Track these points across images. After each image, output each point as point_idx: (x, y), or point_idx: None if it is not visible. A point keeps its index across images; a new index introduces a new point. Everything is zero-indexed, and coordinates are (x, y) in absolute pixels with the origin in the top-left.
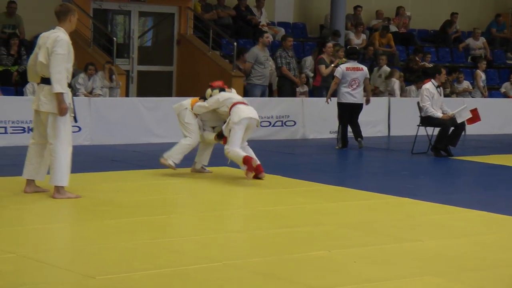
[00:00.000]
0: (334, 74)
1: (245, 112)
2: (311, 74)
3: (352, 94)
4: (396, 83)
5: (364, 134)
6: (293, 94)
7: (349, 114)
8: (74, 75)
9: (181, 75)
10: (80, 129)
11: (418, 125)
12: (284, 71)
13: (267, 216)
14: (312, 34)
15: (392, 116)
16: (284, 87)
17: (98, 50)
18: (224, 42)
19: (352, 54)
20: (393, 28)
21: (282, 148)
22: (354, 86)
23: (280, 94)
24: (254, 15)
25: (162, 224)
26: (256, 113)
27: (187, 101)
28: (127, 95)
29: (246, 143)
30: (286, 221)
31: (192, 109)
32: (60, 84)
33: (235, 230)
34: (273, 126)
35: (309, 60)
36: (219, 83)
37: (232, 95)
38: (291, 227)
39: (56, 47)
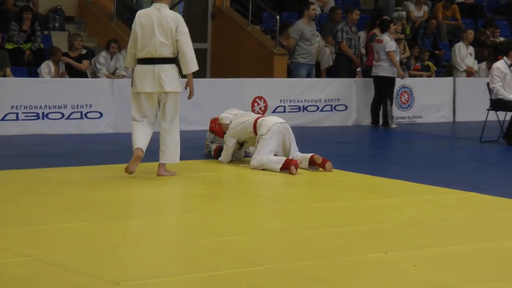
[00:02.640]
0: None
1: (271, 120)
2: (364, 52)
3: (375, 67)
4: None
5: (425, 119)
6: (351, 75)
7: (377, 88)
8: (94, 53)
9: (216, 53)
10: (101, 115)
11: (488, 109)
12: (343, 48)
13: (315, 213)
14: (366, 5)
15: (458, 99)
16: (341, 67)
17: (122, 25)
18: (266, 16)
19: (379, 25)
20: None
21: (331, 136)
22: (376, 59)
23: (337, 75)
24: None
25: (196, 222)
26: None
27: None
28: None
29: (296, 150)
30: (336, 219)
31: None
32: (194, 63)
33: (279, 229)
34: (321, 111)
35: (362, 36)
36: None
37: (242, 115)
38: (343, 226)
39: (181, 26)
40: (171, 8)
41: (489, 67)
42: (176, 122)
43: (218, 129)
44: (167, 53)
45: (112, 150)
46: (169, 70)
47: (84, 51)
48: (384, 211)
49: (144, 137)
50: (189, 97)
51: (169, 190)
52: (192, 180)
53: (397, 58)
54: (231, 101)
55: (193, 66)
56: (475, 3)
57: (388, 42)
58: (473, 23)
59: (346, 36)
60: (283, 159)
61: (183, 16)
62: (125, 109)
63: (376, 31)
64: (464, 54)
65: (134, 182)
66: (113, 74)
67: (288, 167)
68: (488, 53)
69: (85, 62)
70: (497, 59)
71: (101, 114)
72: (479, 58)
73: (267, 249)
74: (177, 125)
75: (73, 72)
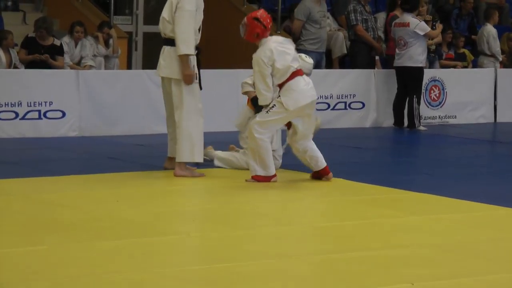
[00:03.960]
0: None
1: (304, 98)
2: (383, 38)
3: (399, 56)
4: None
5: (460, 119)
6: (371, 65)
7: (401, 82)
8: (55, 37)
9: (205, 38)
10: (64, 114)
11: None
12: (359, 31)
13: (330, 234)
14: None
15: (500, 95)
16: (358, 55)
17: (89, 4)
18: None
19: (404, 3)
20: None
21: (345, 139)
22: (400, 46)
23: (352, 65)
24: None
25: (177, 247)
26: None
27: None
28: (129, 66)
29: (312, 142)
30: (355, 242)
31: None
32: (186, 44)
33: (283, 254)
34: (333, 109)
35: (381, 18)
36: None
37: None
38: (362, 250)
39: (183, 2)
40: None
41: None
42: (184, 113)
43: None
44: (169, 32)
45: (77, 157)
46: (168, 52)
47: (58, 42)
48: (411, 232)
49: (170, 141)
50: (185, 82)
51: (145, 206)
52: (178, 192)
53: (424, 46)
54: (222, 96)
55: (182, 48)
56: None
57: (419, 24)
58: None
59: (361, 18)
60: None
61: None
62: (92, 107)
63: (398, 12)
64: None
65: (104, 195)
66: (78, 64)
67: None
68: None
69: (61, 59)
70: None
71: (64, 114)
72: None
73: (269, 280)
74: (187, 117)
75: (33, 64)
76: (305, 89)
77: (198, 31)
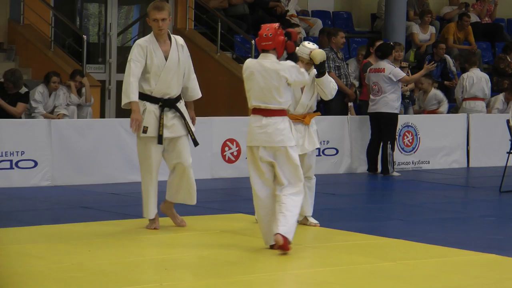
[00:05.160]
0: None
1: None
2: (357, 84)
3: (374, 102)
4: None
5: (434, 164)
6: (344, 111)
7: (376, 128)
8: (29, 87)
9: None
10: (36, 164)
11: (509, 152)
12: (333, 78)
13: (303, 282)
14: (361, 27)
15: (473, 140)
16: (332, 102)
17: (61, 53)
18: (238, 40)
19: (377, 50)
20: (473, 17)
21: (319, 186)
22: (375, 92)
23: (327, 111)
24: (279, 1)
25: None
26: None
27: None
28: (102, 115)
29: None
30: None
31: None
32: (124, 94)
33: None
34: None
35: (353, 64)
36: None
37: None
38: None
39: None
40: (125, 29)
41: (507, 100)
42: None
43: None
44: None
45: (50, 207)
46: None
47: (24, 90)
48: (384, 278)
49: None
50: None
51: (117, 255)
52: (150, 240)
53: (398, 92)
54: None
55: (123, 99)
56: (492, 23)
57: (393, 70)
58: (491, 47)
59: (333, 65)
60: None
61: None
62: (64, 156)
63: (371, 59)
64: None
65: (76, 245)
66: (51, 113)
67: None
68: (508, 84)
69: (21, 106)
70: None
71: (36, 163)
72: (495, 90)
73: None
74: (140, 174)
75: (3, 115)
76: (255, 130)
77: (154, 79)
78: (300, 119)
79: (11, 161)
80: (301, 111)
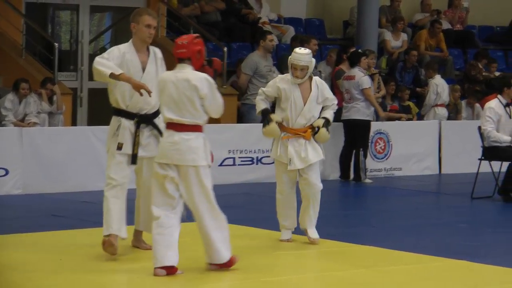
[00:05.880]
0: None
1: None
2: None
3: (347, 109)
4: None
5: (406, 171)
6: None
7: (348, 135)
8: (0, 95)
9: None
10: (7, 172)
11: (480, 159)
12: None
13: None
14: (333, 34)
15: (445, 147)
16: None
17: (32, 60)
18: (210, 47)
19: (348, 58)
20: (445, 24)
21: None
22: (347, 99)
23: None
24: (251, 9)
25: None
26: None
27: None
28: (74, 123)
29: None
30: None
31: None
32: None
33: None
34: None
35: (324, 70)
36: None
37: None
38: None
39: None
40: (97, 37)
41: (470, 105)
42: None
43: None
44: None
45: (21, 215)
46: None
47: None
48: (357, 285)
49: None
50: None
51: (89, 264)
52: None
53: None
54: None
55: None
56: (464, 30)
57: (362, 78)
58: (462, 54)
59: None
60: None
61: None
62: (36, 164)
63: (344, 66)
64: None
65: (47, 254)
66: (21, 121)
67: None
68: (467, 88)
69: None
70: (485, 99)
71: (7, 172)
72: (465, 96)
73: None
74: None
75: None
76: (166, 146)
77: (129, 93)
78: (300, 133)
79: None
80: (302, 122)
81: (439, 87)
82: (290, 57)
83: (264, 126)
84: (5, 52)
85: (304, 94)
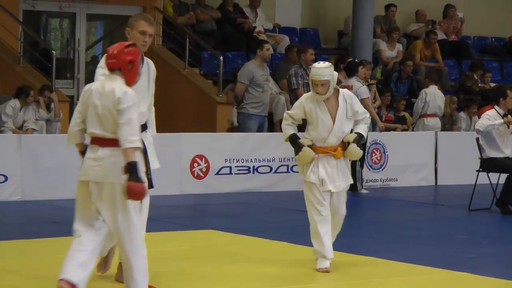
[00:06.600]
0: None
1: None
2: None
3: None
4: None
5: (402, 182)
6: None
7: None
8: None
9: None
10: (6, 178)
11: (478, 171)
12: (300, 95)
13: None
14: (327, 44)
15: (441, 158)
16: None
17: (30, 68)
18: (206, 56)
19: (344, 68)
20: (440, 35)
21: (287, 203)
22: None
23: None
24: (247, 18)
25: None
26: None
27: None
28: None
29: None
30: None
31: None
32: None
33: None
34: (275, 172)
35: None
36: None
37: None
38: None
39: None
40: (94, 45)
41: (470, 116)
42: None
43: None
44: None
45: (19, 222)
46: None
47: None
48: None
49: None
50: None
51: None
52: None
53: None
54: (164, 162)
55: None
56: (459, 41)
57: (360, 88)
58: (457, 64)
59: (302, 81)
60: None
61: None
62: (34, 171)
63: (340, 76)
64: None
65: (47, 260)
66: (20, 128)
67: None
68: (463, 99)
69: None
70: (482, 110)
71: (6, 178)
72: (461, 107)
73: None
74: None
75: None
76: (88, 162)
77: None
78: (330, 152)
79: None
80: (333, 141)
81: (428, 95)
82: (310, 73)
83: (296, 152)
84: (2, 59)
85: (331, 111)
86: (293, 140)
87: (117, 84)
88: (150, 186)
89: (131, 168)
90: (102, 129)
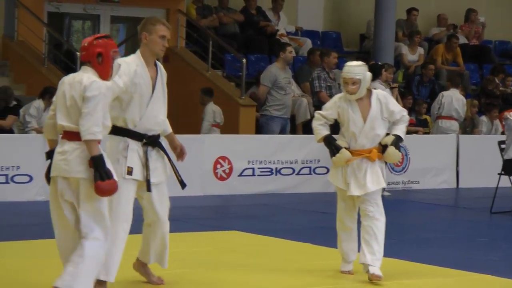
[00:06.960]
0: None
1: None
2: None
3: None
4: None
5: (423, 184)
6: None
7: None
8: (22, 104)
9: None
10: (31, 178)
11: (500, 173)
12: (323, 98)
13: None
14: (349, 47)
15: (462, 161)
16: None
17: (54, 69)
18: (229, 58)
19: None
20: (461, 39)
21: (309, 205)
22: None
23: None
24: (269, 21)
25: None
26: None
27: None
28: None
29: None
30: None
31: None
32: None
33: None
34: (298, 174)
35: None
36: None
37: None
38: None
39: None
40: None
41: (491, 120)
42: None
43: None
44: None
45: (43, 222)
46: None
47: (12, 103)
48: None
49: None
50: None
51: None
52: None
53: None
54: (187, 163)
55: None
56: (480, 45)
57: (384, 91)
58: (478, 68)
59: (324, 84)
60: None
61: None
62: None
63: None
64: None
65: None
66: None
67: None
68: (484, 103)
69: (11, 118)
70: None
71: (31, 178)
72: (482, 111)
73: None
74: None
75: None
76: (56, 157)
77: (139, 111)
78: (364, 154)
79: (6, 175)
80: (365, 143)
81: (444, 98)
82: (342, 71)
83: (333, 154)
84: (27, 61)
85: (363, 111)
86: (329, 141)
87: (87, 75)
88: (183, 185)
89: (96, 163)
90: (69, 121)
